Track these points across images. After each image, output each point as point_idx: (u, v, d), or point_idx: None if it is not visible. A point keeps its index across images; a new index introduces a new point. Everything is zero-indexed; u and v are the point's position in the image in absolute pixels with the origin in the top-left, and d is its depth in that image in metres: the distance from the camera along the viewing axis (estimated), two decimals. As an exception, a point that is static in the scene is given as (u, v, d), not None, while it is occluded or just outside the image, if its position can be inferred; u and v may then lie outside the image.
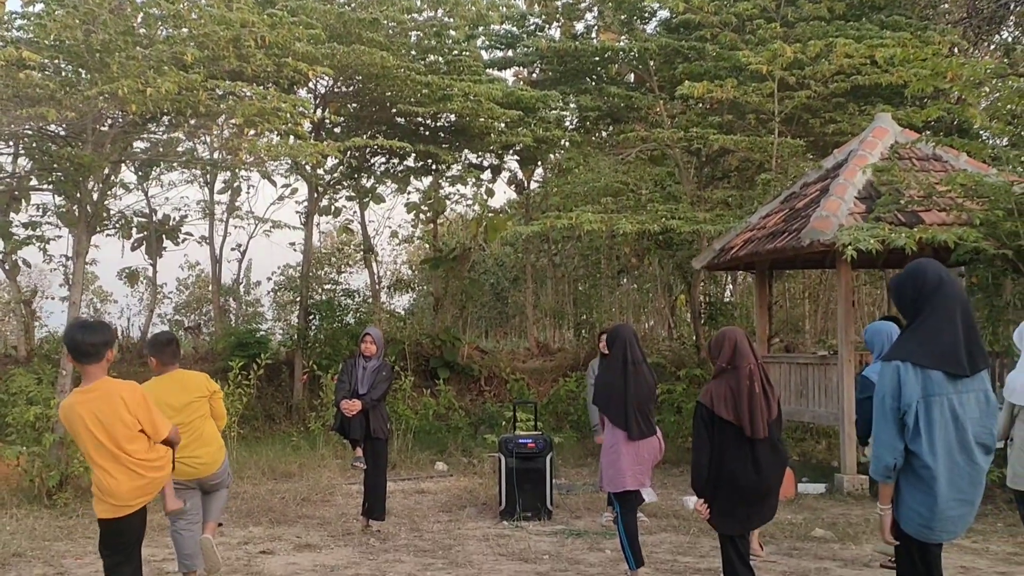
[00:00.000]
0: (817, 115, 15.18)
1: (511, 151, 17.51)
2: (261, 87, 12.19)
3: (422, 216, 20.24)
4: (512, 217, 19.94)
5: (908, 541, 4.21)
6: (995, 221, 9.62)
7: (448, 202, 20.00)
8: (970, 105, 10.80)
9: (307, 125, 13.52)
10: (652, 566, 7.16)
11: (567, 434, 14.02)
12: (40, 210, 16.52)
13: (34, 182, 14.46)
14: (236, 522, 9.06)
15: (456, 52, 16.14)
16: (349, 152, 15.35)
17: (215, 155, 15.55)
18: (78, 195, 12.01)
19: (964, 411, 4.09)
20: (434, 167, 17.46)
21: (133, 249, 18.68)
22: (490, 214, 19.35)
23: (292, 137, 12.83)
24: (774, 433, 5.32)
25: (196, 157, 15.19)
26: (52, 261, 17.18)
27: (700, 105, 15.69)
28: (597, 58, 17.18)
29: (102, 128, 11.90)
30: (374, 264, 19.73)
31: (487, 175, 18.58)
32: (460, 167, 17.75)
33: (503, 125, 15.68)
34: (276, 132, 12.66)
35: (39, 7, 11.74)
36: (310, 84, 15.24)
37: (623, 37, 17.15)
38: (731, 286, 22.39)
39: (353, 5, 14.78)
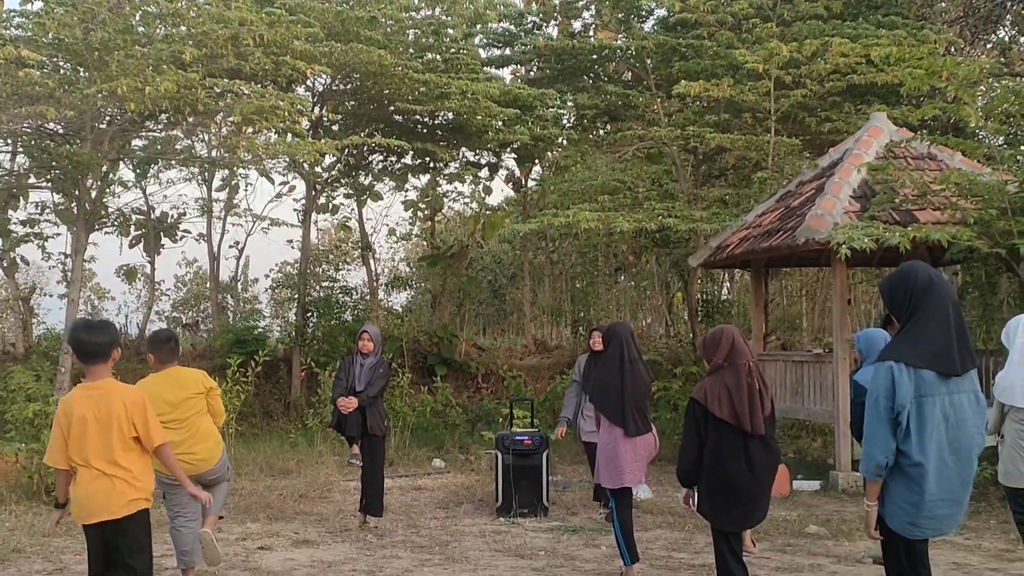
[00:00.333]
0: (813, 114, 15.23)
1: (508, 149, 17.54)
2: (259, 85, 12.23)
3: (420, 213, 20.28)
4: (510, 215, 19.98)
5: (894, 537, 4.27)
6: (988, 220, 9.68)
7: (446, 200, 20.06)
8: (965, 104, 10.85)
9: (305, 123, 13.57)
10: (647, 562, 7.21)
11: (564, 431, 14.05)
12: (39, 208, 16.56)
13: (32, 180, 14.49)
14: (234, 518, 9.10)
15: (454, 50, 16.19)
16: (347, 150, 15.40)
17: (213, 153, 15.60)
18: (76, 193, 12.07)
19: (955, 411, 4.15)
20: (432, 165, 17.50)
21: (131, 246, 18.72)
22: (488, 212, 19.39)
23: (290, 135, 12.89)
24: (767, 430, 5.38)
25: (194, 155, 15.24)
26: (51, 259, 17.23)
27: (697, 103, 15.74)
28: (594, 56, 17.23)
29: (100, 126, 11.95)
30: (372, 261, 19.77)
31: (485, 173, 18.63)
32: (458, 165, 17.80)
33: (500, 123, 15.73)
34: (274, 130, 12.72)
35: (38, 5, 11.79)
36: (308, 82, 15.28)
37: (620, 35, 17.20)
38: (728, 284, 22.46)
39: (351, 3, 14.83)
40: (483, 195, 19.46)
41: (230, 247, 21.00)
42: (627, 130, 15.83)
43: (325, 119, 15.22)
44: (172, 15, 11.23)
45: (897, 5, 16.46)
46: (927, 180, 10.62)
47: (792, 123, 15.03)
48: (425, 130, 16.72)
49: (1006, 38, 19.53)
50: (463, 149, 17.52)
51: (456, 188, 20.21)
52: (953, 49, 15.75)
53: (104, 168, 12.25)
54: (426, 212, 19.89)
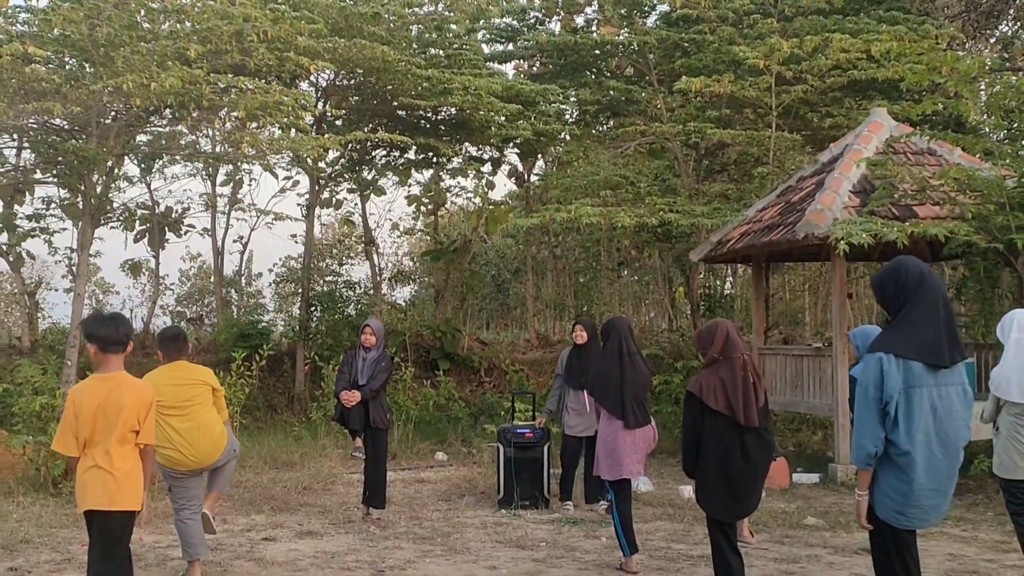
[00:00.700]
0: (814, 109, 15.28)
1: (511, 144, 17.62)
2: (263, 81, 12.30)
3: (423, 208, 20.37)
4: (513, 209, 20.04)
5: (882, 526, 4.36)
6: (986, 215, 9.74)
7: (449, 194, 20.13)
8: (965, 99, 10.89)
9: (309, 119, 13.64)
10: (646, 553, 7.31)
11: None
12: (45, 203, 16.68)
13: (39, 175, 14.58)
14: (239, 510, 9.21)
15: (457, 46, 16.25)
16: (350, 145, 15.47)
17: (217, 148, 15.67)
18: (82, 188, 12.16)
19: (943, 403, 4.24)
20: (435, 160, 17.57)
21: (136, 241, 18.84)
22: (491, 206, 19.46)
23: (294, 131, 12.96)
24: (761, 422, 5.47)
25: (199, 150, 15.31)
26: (57, 253, 17.35)
27: (698, 99, 15.79)
28: (597, 52, 17.28)
29: (106, 121, 12.03)
30: (375, 256, 19.87)
31: (487, 168, 18.70)
32: (460, 160, 17.85)
33: (503, 119, 15.79)
34: (278, 126, 12.79)
35: (43, 2, 11.87)
36: (312, 78, 15.35)
37: (623, 31, 17.24)
38: (731, 278, 22.51)
39: (354, -1, 14.90)
40: (486, 190, 19.54)
41: (234, 242, 21.08)
42: (629, 125, 15.89)
43: (329, 115, 15.29)
44: (177, 11, 11.31)
45: (899, 0, 16.48)
46: (926, 175, 10.68)
47: (793, 118, 15.07)
48: (428, 125, 16.79)
49: (1008, 32, 19.55)
50: (466, 144, 17.58)
51: (459, 183, 20.30)
52: (955, 44, 15.76)
53: (109, 163, 12.34)
54: (429, 207, 19.98)
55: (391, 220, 30.08)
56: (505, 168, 19.41)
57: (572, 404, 9.26)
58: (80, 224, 12.52)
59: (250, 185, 33.05)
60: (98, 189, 12.42)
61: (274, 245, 43.68)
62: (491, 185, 19.51)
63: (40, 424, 10.27)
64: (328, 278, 19.49)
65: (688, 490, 8.62)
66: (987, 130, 13.90)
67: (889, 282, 4.37)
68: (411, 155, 17.43)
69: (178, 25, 11.53)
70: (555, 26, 18.83)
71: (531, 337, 19.91)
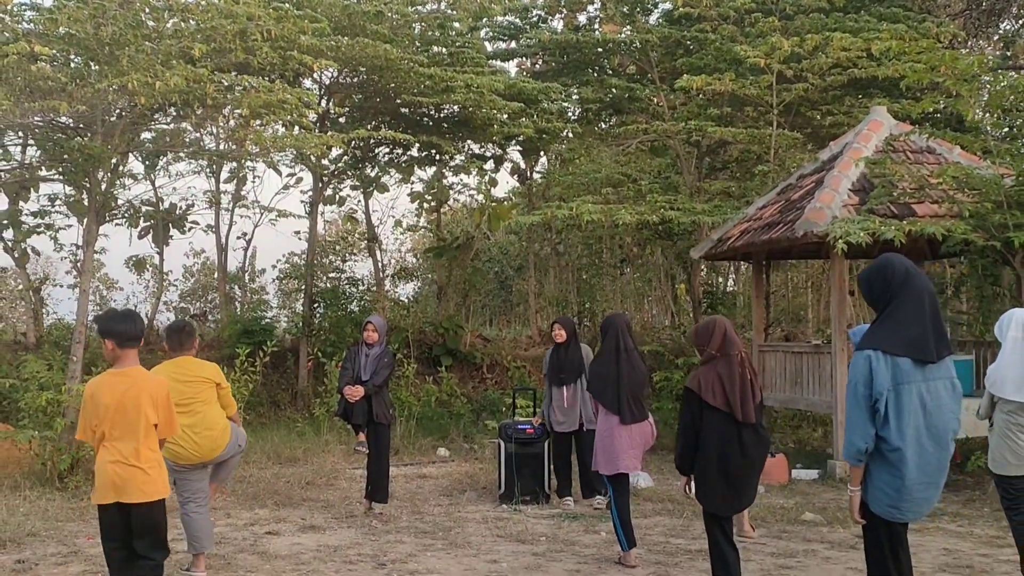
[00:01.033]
0: (815, 107, 15.33)
1: (513, 142, 17.68)
2: (267, 79, 12.37)
3: (426, 205, 20.42)
4: (516, 206, 20.10)
5: (875, 520, 4.44)
6: (984, 213, 9.79)
7: (451, 191, 20.19)
8: (963, 98, 10.94)
9: (312, 116, 13.71)
10: (645, 547, 7.40)
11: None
12: (50, 199, 16.77)
13: (44, 172, 14.67)
14: (242, 504, 9.30)
15: (459, 44, 16.31)
16: (353, 143, 15.54)
17: (221, 146, 15.74)
18: (87, 185, 12.22)
19: (932, 398, 4.32)
20: (437, 157, 17.64)
21: (140, 237, 18.92)
22: (493, 203, 19.51)
23: (297, 128, 13.03)
24: (758, 418, 5.56)
25: (203, 148, 15.39)
26: (62, 249, 17.44)
27: (700, 97, 15.84)
28: (599, 50, 17.32)
29: (111, 119, 12.10)
30: (378, 252, 19.94)
31: (490, 165, 18.75)
32: (463, 157, 17.91)
33: (505, 116, 15.85)
34: (281, 123, 12.86)
35: (49, 1, 11.94)
36: (315, 76, 15.42)
37: (625, 29, 17.29)
38: (733, 276, 22.58)
39: (357, -2, 14.96)
40: (488, 187, 19.59)
41: (238, 238, 21.14)
42: (631, 123, 15.94)
43: (332, 112, 15.37)
44: (181, 10, 11.37)
45: (900, -3, 16.52)
46: (925, 173, 10.72)
47: (794, 116, 15.13)
48: (431, 123, 16.86)
49: (1010, 30, 19.57)
50: (468, 142, 17.65)
51: (462, 180, 20.45)
52: (956, 42, 15.80)
53: (114, 160, 12.39)
54: (432, 204, 20.03)
55: (394, 217, 29.96)
56: (508, 165, 19.48)
57: (556, 401, 9.38)
58: (85, 221, 12.58)
59: (254, 182, 33.14)
60: (103, 186, 12.47)
61: (277, 242, 43.70)
62: (494, 182, 19.54)
63: (46, 419, 10.37)
64: (331, 275, 19.56)
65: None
66: (987, 128, 13.95)
67: (876, 279, 4.45)
68: (414, 152, 17.50)
69: (182, 24, 11.59)
70: (557, 24, 18.89)
71: (533, 334, 19.98)
